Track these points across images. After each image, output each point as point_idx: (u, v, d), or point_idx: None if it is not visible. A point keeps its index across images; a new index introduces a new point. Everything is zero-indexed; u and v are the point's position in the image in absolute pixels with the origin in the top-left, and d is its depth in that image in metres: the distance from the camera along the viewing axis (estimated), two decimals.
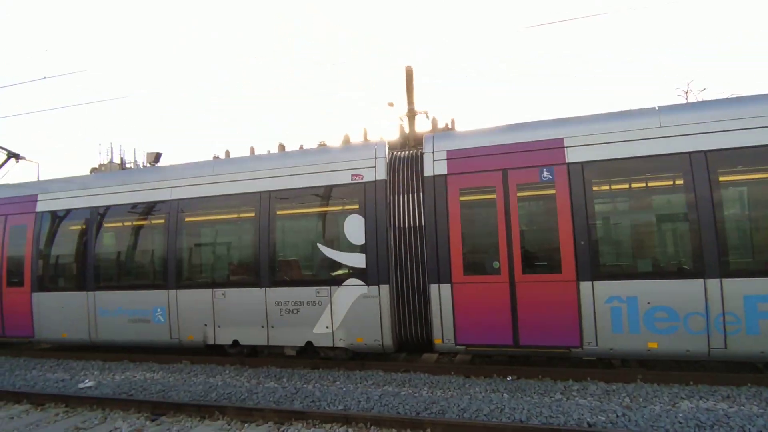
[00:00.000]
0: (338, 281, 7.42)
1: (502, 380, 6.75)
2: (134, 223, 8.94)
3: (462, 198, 6.99)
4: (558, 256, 6.51)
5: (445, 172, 7.08)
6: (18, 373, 8.50)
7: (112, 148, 31.80)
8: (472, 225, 7.03)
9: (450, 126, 19.34)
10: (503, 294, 6.67)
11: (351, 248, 7.40)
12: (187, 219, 8.49)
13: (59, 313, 9.16)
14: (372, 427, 5.20)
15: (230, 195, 8.18)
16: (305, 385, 6.91)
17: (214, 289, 8.11)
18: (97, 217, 9.09)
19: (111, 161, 31.90)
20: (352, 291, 7.33)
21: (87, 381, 7.63)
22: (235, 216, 8.28)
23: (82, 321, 8.97)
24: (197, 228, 8.56)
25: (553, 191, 6.62)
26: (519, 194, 6.76)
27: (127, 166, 31.85)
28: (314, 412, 5.49)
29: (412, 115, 18.08)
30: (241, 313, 7.92)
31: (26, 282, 9.47)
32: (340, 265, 7.46)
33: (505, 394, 6.14)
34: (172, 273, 8.38)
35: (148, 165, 28.67)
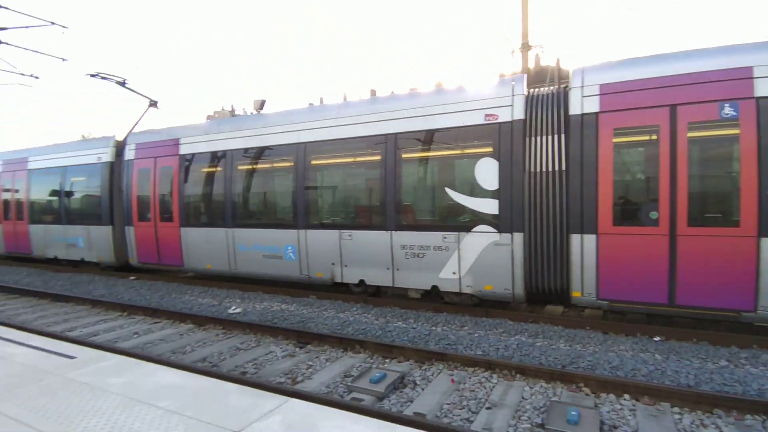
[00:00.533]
0: (467, 227, 7.20)
1: (648, 339, 6.22)
2: (266, 165, 9.42)
3: (616, 139, 6.21)
4: (736, 208, 5.59)
5: (597, 110, 6.30)
6: (174, 296, 9.74)
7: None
8: (626, 170, 6.28)
9: (556, 65, 17.38)
10: (661, 248, 5.97)
11: (482, 193, 7.07)
12: (314, 162, 8.72)
13: (204, 246, 10.20)
14: (517, 376, 5.10)
15: (356, 138, 8.18)
16: (433, 328, 6.99)
17: (342, 231, 8.37)
18: (233, 159, 9.71)
19: (222, 109, 34.02)
20: (482, 238, 7.08)
21: (234, 308, 8.49)
22: (361, 159, 8.30)
23: (223, 254, 9.91)
24: (324, 171, 8.77)
25: (736, 131, 5.59)
26: (690, 135, 5.82)
27: (236, 113, 33.80)
28: (456, 354, 5.51)
29: (526, 49, 16.51)
30: (367, 254, 8.12)
31: (175, 218, 10.61)
32: (469, 211, 7.21)
33: (657, 355, 5.64)
34: (302, 214, 8.78)
35: (255, 112, 30.03)
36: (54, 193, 13.31)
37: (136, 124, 13.55)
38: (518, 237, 6.82)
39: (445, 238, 7.37)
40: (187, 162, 10.42)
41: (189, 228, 10.40)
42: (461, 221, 7.31)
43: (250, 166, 9.60)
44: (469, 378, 5.20)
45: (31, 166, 13.91)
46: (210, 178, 10.20)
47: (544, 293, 7.00)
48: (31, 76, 14.21)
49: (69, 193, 13.01)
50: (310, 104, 10.05)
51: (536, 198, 6.74)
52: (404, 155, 7.76)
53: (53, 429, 3.00)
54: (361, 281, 8.34)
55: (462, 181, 7.33)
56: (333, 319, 7.54)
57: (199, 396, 3.49)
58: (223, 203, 9.86)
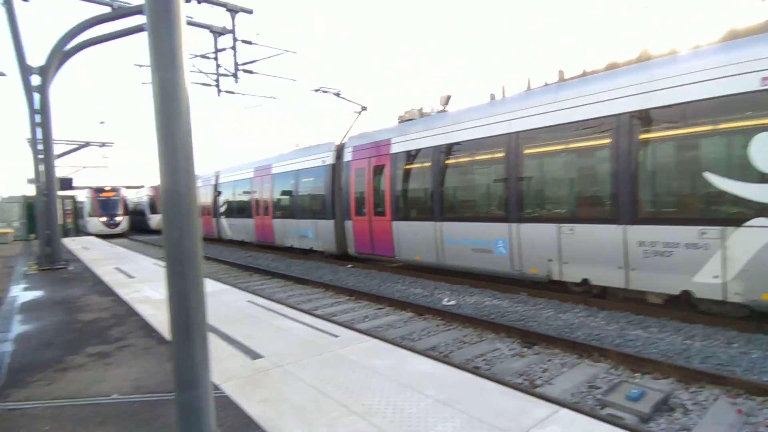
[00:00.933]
0: (736, 220, 5.78)
1: None
2: (474, 158, 9.39)
3: None
4: None
5: None
6: (389, 285, 10.56)
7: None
8: None
9: None
10: None
11: (761, 177, 5.57)
12: (527, 151, 8.28)
13: (413, 239, 10.79)
14: None
15: (579, 122, 7.42)
16: (688, 341, 5.85)
17: (561, 224, 7.74)
18: (440, 154, 9.99)
19: (412, 109, 35.74)
20: (759, 234, 5.59)
21: (447, 299, 8.71)
22: (584, 144, 7.51)
23: (431, 247, 10.31)
24: (540, 160, 8.25)
25: None
26: None
27: (425, 111, 35.13)
28: (737, 378, 4.45)
29: None
30: (593, 251, 7.32)
31: (387, 212, 11.51)
32: (740, 200, 5.77)
33: None
34: (513, 207, 8.45)
35: (441, 107, 30.54)
36: (289, 192, 16.00)
37: (350, 128, 15.24)
38: None
39: (702, 233, 6.08)
40: (397, 160, 11.16)
41: (400, 221, 11.15)
42: (727, 212, 5.91)
43: (456, 160, 9.71)
44: (759, 410, 4.13)
45: (274, 170, 17.01)
46: (418, 174, 10.71)
47: None
48: (271, 97, 17.37)
49: (300, 192, 15.44)
50: (492, 95, 9.62)
51: None
52: (643, 135, 6.68)
53: (346, 401, 3.41)
54: (584, 280, 7.57)
55: (728, 162, 5.92)
56: (555, 320, 7.03)
57: (461, 390, 3.54)
58: (431, 197, 10.23)
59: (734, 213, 5.83)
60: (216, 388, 3.69)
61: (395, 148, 11.24)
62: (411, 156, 10.80)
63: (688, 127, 6.29)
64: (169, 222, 1.95)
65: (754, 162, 5.61)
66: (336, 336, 5.10)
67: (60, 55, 11.95)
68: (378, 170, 11.84)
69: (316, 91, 15.50)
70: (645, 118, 6.62)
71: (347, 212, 12.98)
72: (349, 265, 13.68)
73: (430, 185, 10.27)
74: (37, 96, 11.82)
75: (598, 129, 7.20)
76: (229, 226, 21.43)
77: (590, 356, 5.50)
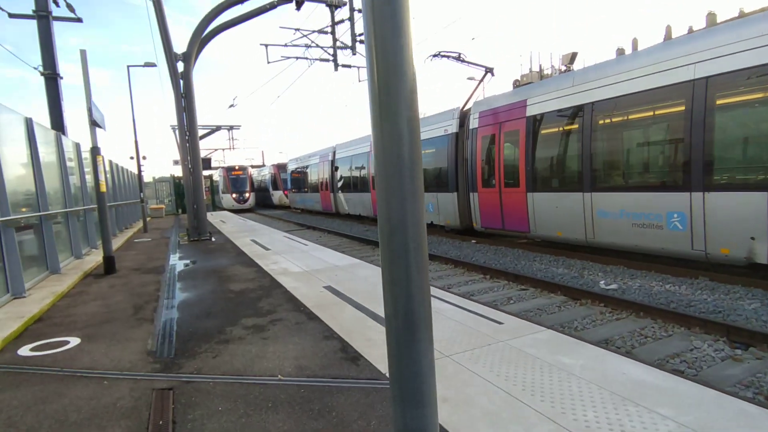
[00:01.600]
0: None
1: None
2: (639, 115, 7.82)
3: None
4: None
5: None
6: (524, 263, 9.55)
7: (531, 57, 32.97)
8: None
9: None
10: None
11: None
12: (722, 101, 6.55)
13: (554, 212, 9.57)
14: None
15: None
16: None
17: None
18: (593, 113, 8.54)
19: (531, 71, 33.07)
20: None
21: (605, 282, 7.49)
22: None
23: (578, 221, 9.02)
24: (739, 110, 6.49)
25: None
26: None
27: (545, 73, 32.26)
28: None
29: None
30: None
31: (521, 183, 10.38)
32: None
33: None
34: (698, 172, 6.83)
35: (565, 67, 27.49)
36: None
37: (473, 93, 14.14)
38: None
39: None
40: (534, 123, 9.92)
41: (537, 193, 9.97)
42: None
43: (615, 119, 8.20)
44: None
45: None
46: (562, 138, 9.38)
47: None
48: None
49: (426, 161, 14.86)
50: (620, 49, 7.69)
51: None
52: None
53: (550, 412, 2.71)
54: None
55: None
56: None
57: (708, 412, 2.61)
58: (578, 165, 8.88)
59: None
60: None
61: (532, 110, 9.97)
62: (553, 117, 9.47)
63: None
64: (388, 199, 1.43)
65: None
66: (500, 323, 4.41)
67: (199, 40, 12.72)
68: (510, 136, 10.69)
69: (435, 56, 14.61)
70: None
71: (473, 184, 12.09)
72: (473, 241, 12.87)
73: (578, 150, 8.90)
74: (181, 82, 12.80)
75: None
76: (346, 201, 21.88)
77: None
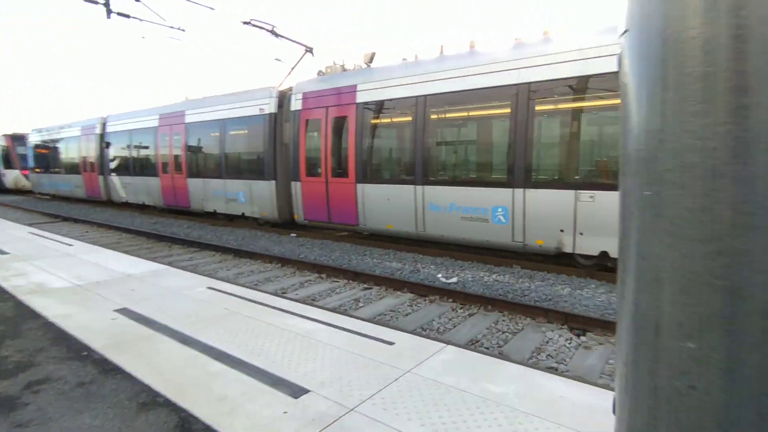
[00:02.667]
0: None
1: None
2: (473, 113, 8.08)
3: None
4: None
5: None
6: (356, 258, 9.00)
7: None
8: None
9: None
10: None
11: None
12: (540, 107, 7.19)
13: (385, 205, 9.30)
14: None
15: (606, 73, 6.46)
16: None
17: (579, 191, 6.88)
18: (428, 106, 8.47)
19: (334, 63, 33.29)
20: None
21: (442, 276, 7.49)
22: (614, 102, 6.62)
23: (409, 214, 8.94)
24: (550, 117, 7.22)
25: None
26: None
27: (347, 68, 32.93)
28: None
29: None
30: (617, 221, 6.57)
31: (350, 173, 9.78)
32: None
33: None
34: (520, 170, 7.39)
35: (365, 65, 28.70)
36: (213, 146, 13.23)
37: (290, 73, 12.89)
38: None
39: None
40: (366, 111, 9.41)
41: (367, 184, 9.53)
42: None
43: (450, 114, 8.32)
44: None
45: (190, 119, 13.93)
46: (395, 128, 9.15)
47: None
48: (179, 28, 14.02)
49: (228, 147, 12.82)
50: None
51: None
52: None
53: None
54: (602, 253, 6.87)
55: None
56: (587, 299, 6.19)
57: None
58: (411, 157, 8.77)
59: None
60: None
61: (363, 96, 9.45)
62: (387, 107, 9.14)
63: None
64: None
65: None
66: (390, 343, 3.54)
67: None
68: (339, 122, 9.97)
69: (246, 24, 12.77)
70: None
71: (295, 172, 10.94)
72: (293, 234, 11.75)
73: (411, 142, 8.77)
74: None
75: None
76: (123, 186, 17.64)
77: None
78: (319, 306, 4.83)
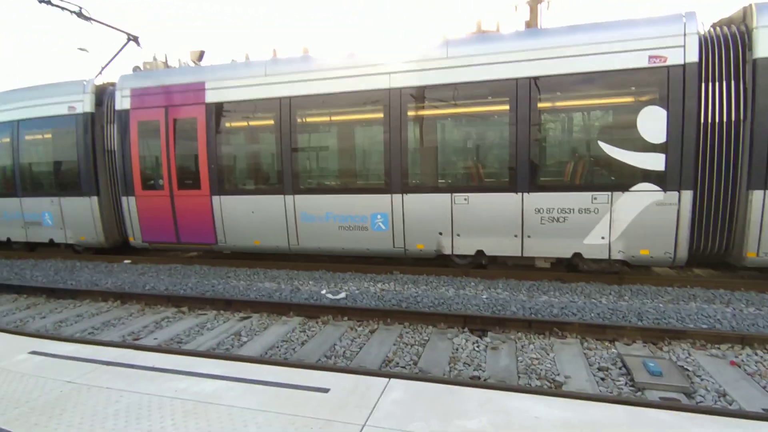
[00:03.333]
0: (623, 186, 6.40)
1: None
2: (345, 117, 7.67)
3: None
4: None
5: None
6: (219, 282, 7.76)
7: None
8: None
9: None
10: None
11: (645, 147, 6.26)
12: (413, 112, 7.22)
13: (249, 218, 8.24)
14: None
15: (479, 82, 6.83)
16: (577, 300, 6.20)
17: (454, 194, 7.11)
18: (295, 108, 7.74)
19: (155, 59, 29.42)
20: (641, 197, 6.34)
21: (327, 292, 6.91)
22: (480, 109, 7.01)
23: (279, 227, 8.09)
24: (430, 122, 7.30)
25: None
26: None
27: (169, 64, 29.41)
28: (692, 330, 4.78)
29: (537, 2, 15.76)
30: (489, 220, 7.00)
31: (204, 184, 8.42)
32: (627, 167, 6.38)
33: None
34: (397, 175, 7.31)
35: (192, 63, 26.32)
36: (1, 156, 10.02)
37: (107, 65, 10.63)
38: (687, 195, 6.18)
39: (594, 198, 6.51)
40: (219, 112, 8.19)
41: (226, 196, 8.32)
42: (615, 179, 6.48)
43: (320, 118, 7.79)
44: None
45: None
46: (258, 133, 8.20)
47: (705, 255, 6.52)
48: None
49: (26, 156, 9.86)
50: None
51: (710, 152, 6.11)
52: (541, 104, 6.64)
53: None
54: (478, 252, 7.24)
55: (618, 133, 6.44)
56: (475, 298, 6.36)
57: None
58: (279, 164, 7.94)
59: (622, 179, 6.42)
60: None
61: (213, 96, 8.21)
62: (246, 108, 8.08)
63: (582, 99, 6.58)
64: None
65: (641, 132, 6.23)
66: (324, 390, 2.91)
67: None
68: (185, 125, 8.48)
69: (45, 2, 10.07)
70: (541, 86, 6.58)
71: (127, 185, 8.95)
72: (126, 261, 9.66)
73: (276, 148, 7.94)
74: None
75: (487, 92, 6.82)
76: None
77: (555, 334, 5.06)
78: (201, 354, 3.83)
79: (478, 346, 4.87)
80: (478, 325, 5.36)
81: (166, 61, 24.93)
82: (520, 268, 7.53)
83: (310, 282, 7.63)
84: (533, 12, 16.00)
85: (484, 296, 6.47)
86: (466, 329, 5.32)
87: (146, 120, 8.71)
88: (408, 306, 6.19)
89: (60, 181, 9.66)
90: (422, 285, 7.19)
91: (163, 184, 8.71)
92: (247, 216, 8.25)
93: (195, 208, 8.56)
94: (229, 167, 8.41)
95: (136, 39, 10.80)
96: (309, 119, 7.87)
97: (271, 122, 7.94)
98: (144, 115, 8.72)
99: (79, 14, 10.53)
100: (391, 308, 5.85)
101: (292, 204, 7.94)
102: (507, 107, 6.77)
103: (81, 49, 25.14)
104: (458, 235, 7.23)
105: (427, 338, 5.15)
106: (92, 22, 10.91)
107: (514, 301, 6.20)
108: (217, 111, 8.18)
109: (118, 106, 8.90)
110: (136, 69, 10.56)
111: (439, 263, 8.01)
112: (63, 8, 10.34)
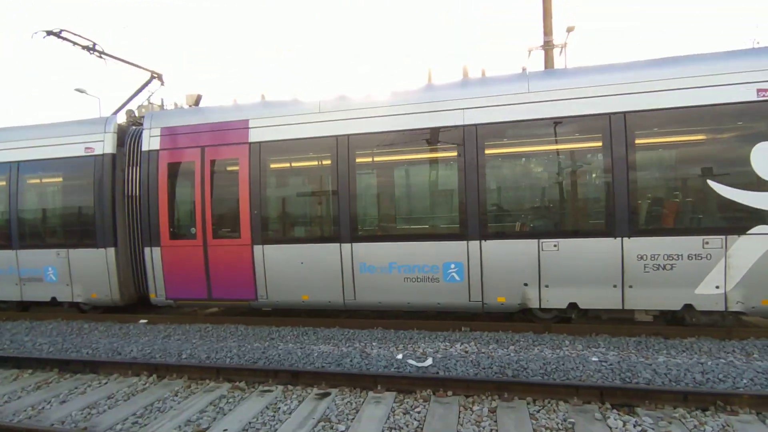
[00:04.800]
0: (740, 229, 5.75)
1: None
2: (412, 156, 6.97)
3: None
4: None
5: None
6: (267, 345, 6.64)
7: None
8: None
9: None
10: None
11: (761, 185, 5.69)
12: (490, 150, 6.57)
13: (298, 270, 7.25)
14: None
15: (564, 118, 6.26)
16: (704, 359, 5.37)
17: (541, 240, 6.34)
18: (348, 147, 7.01)
19: (149, 103, 28.90)
20: (762, 241, 5.69)
21: (403, 356, 5.88)
22: (569, 146, 6.40)
23: (333, 279, 7.11)
24: (511, 161, 6.65)
25: None
26: None
27: (165, 107, 29.00)
28: None
29: (550, 48, 15.93)
30: (584, 269, 6.22)
31: (244, 232, 7.45)
32: (743, 208, 5.77)
33: None
34: (474, 219, 6.54)
35: (187, 107, 25.83)
36: (2, 201, 8.86)
37: (130, 100, 9.87)
38: None
39: (706, 243, 5.83)
40: (266, 153, 7.38)
41: (270, 245, 7.35)
42: (731, 221, 5.85)
43: (384, 158, 7.05)
44: None
45: None
46: (310, 174, 7.40)
47: None
48: None
49: (29, 200, 8.75)
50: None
51: None
52: (639, 140, 6.08)
53: None
54: (571, 305, 6.39)
55: (730, 170, 5.86)
56: (582, 362, 5.44)
57: None
58: (335, 209, 7.09)
59: (738, 221, 5.79)
60: None
61: (258, 135, 7.42)
62: (293, 148, 7.31)
63: (685, 134, 6.05)
64: None
65: (757, 169, 5.69)
66: None
67: None
68: (224, 167, 7.64)
69: (51, 34, 9.35)
70: (638, 121, 6.05)
71: (152, 234, 7.90)
72: (143, 321, 8.43)
73: (332, 191, 7.12)
74: None
75: (578, 129, 6.25)
76: None
77: (724, 410, 4.17)
78: None
79: (620, 425, 3.92)
80: (620, 398, 4.44)
81: (162, 104, 23.91)
82: (613, 321, 6.69)
83: (374, 343, 6.59)
84: (548, 56, 16.11)
85: (594, 359, 5.56)
86: (606, 404, 4.39)
87: (178, 161, 7.82)
88: (515, 374, 5.22)
89: (69, 231, 8.53)
90: (508, 344, 6.24)
91: (195, 233, 7.70)
92: (294, 267, 7.27)
93: (232, 260, 7.54)
94: (275, 213, 7.52)
95: (160, 77, 10.09)
96: (370, 159, 7.13)
97: (327, 163, 7.17)
98: (176, 156, 7.84)
99: (92, 49, 9.82)
100: (503, 379, 4.88)
101: (349, 253, 7.02)
102: (600, 143, 6.18)
103: (79, 90, 24.34)
104: (547, 286, 6.40)
105: (566, 419, 4.18)
106: (105, 58, 10.22)
107: (630, 362, 5.30)
108: (263, 151, 7.38)
109: (145, 147, 8.01)
110: (129, 113, 9.81)
111: (511, 317, 7.13)
112: (74, 43, 9.64)
